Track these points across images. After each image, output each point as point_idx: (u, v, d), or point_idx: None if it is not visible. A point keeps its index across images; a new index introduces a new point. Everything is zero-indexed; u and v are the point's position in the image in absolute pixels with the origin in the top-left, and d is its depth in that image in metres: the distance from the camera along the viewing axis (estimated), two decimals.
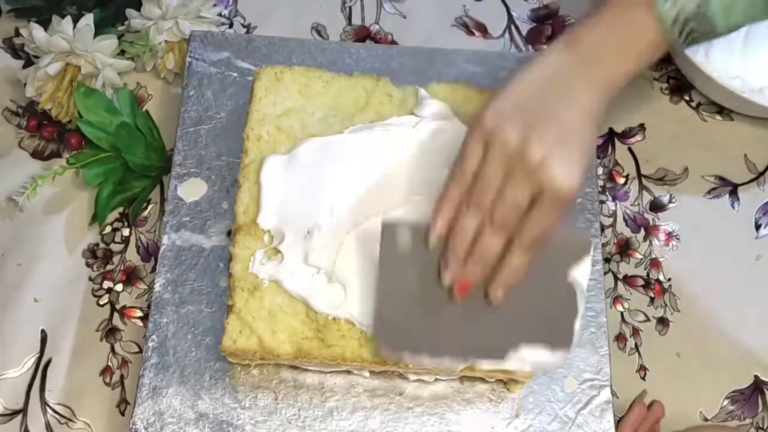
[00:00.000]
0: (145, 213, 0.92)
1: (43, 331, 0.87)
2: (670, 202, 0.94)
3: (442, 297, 0.71)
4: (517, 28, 1.02)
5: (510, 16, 1.03)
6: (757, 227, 0.93)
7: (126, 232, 0.91)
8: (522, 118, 0.67)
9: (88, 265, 0.90)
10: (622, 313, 0.89)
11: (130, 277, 0.89)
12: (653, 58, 0.70)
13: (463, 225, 0.68)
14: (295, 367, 0.81)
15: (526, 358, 0.72)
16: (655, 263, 0.91)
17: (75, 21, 0.92)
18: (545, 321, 0.72)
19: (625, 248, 0.92)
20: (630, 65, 0.69)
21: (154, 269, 0.87)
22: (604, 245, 0.90)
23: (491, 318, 0.71)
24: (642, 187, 0.94)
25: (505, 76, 0.91)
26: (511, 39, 1.01)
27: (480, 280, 0.69)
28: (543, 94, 0.68)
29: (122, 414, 0.84)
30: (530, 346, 0.71)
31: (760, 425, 0.85)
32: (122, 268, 0.90)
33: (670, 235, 0.92)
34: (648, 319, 0.89)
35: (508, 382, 0.80)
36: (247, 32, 1.01)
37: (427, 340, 0.72)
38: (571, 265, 0.71)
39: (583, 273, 0.71)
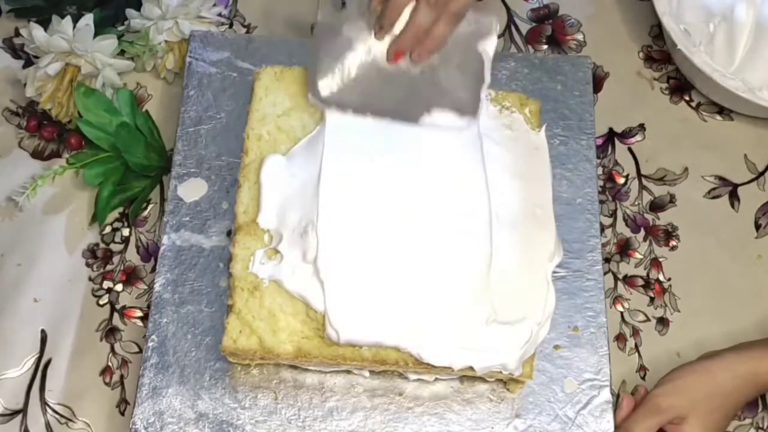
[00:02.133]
0: (145, 213, 0.92)
1: (43, 331, 0.87)
2: (670, 202, 0.94)
3: (370, 63, 0.81)
4: (517, 28, 1.02)
5: (510, 16, 1.03)
6: (757, 227, 0.93)
7: (126, 232, 0.91)
8: None
9: (88, 265, 0.90)
10: (622, 313, 0.89)
11: (130, 277, 0.89)
12: None
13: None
14: (295, 367, 0.81)
15: (437, 120, 0.81)
16: (655, 263, 0.91)
17: (75, 21, 0.92)
18: (456, 88, 0.82)
19: (625, 248, 0.92)
20: None
21: (154, 269, 0.87)
22: (604, 245, 0.90)
23: (410, 83, 0.81)
24: (642, 187, 0.94)
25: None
26: (511, 39, 1.01)
27: (411, 49, 0.80)
28: None
29: (122, 414, 0.84)
30: (441, 110, 0.81)
31: (760, 425, 0.85)
32: (122, 268, 0.90)
33: (670, 235, 0.92)
34: (648, 319, 0.89)
35: (508, 382, 0.80)
36: (247, 32, 1.01)
37: (353, 94, 0.81)
38: (479, 39, 0.83)
39: (489, 46, 0.83)
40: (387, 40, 0.81)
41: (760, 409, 0.86)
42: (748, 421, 0.85)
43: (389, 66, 0.81)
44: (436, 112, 0.81)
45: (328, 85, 0.81)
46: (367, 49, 0.81)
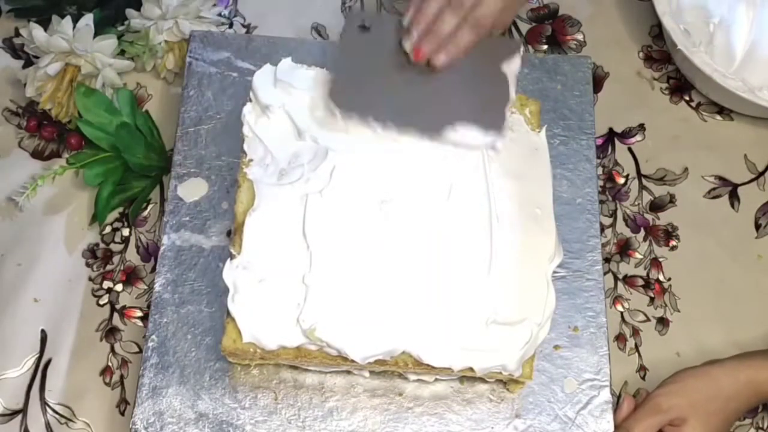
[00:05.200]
0: (145, 213, 0.92)
1: (43, 331, 0.87)
2: (670, 202, 0.94)
3: (395, 74, 0.81)
4: (517, 28, 1.02)
5: None
6: (757, 227, 0.93)
7: (126, 232, 0.91)
8: None
9: (88, 265, 0.90)
10: (622, 313, 0.89)
11: (130, 277, 0.89)
12: None
13: (427, 7, 0.80)
14: (295, 367, 0.81)
15: (463, 137, 0.79)
16: (655, 263, 0.91)
17: (75, 21, 0.92)
18: (480, 105, 0.81)
19: (625, 248, 0.92)
20: None
21: (154, 269, 0.87)
22: (604, 245, 0.90)
23: (434, 100, 0.81)
24: (642, 187, 0.94)
25: None
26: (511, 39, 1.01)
27: (433, 52, 0.79)
28: None
29: (122, 414, 0.84)
30: (465, 125, 0.79)
31: (760, 425, 0.86)
32: (122, 268, 0.90)
33: (670, 235, 0.92)
34: (648, 319, 0.89)
35: (508, 382, 0.81)
36: (247, 32, 1.01)
37: (375, 106, 0.80)
38: (504, 59, 0.82)
39: (514, 66, 0.82)
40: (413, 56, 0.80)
41: (760, 409, 0.86)
42: (748, 421, 0.85)
43: (413, 83, 0.80)
44: (461, 128, 0.79)
45: (350, 99, 0.80)
46: (391, 67, 0.80)
